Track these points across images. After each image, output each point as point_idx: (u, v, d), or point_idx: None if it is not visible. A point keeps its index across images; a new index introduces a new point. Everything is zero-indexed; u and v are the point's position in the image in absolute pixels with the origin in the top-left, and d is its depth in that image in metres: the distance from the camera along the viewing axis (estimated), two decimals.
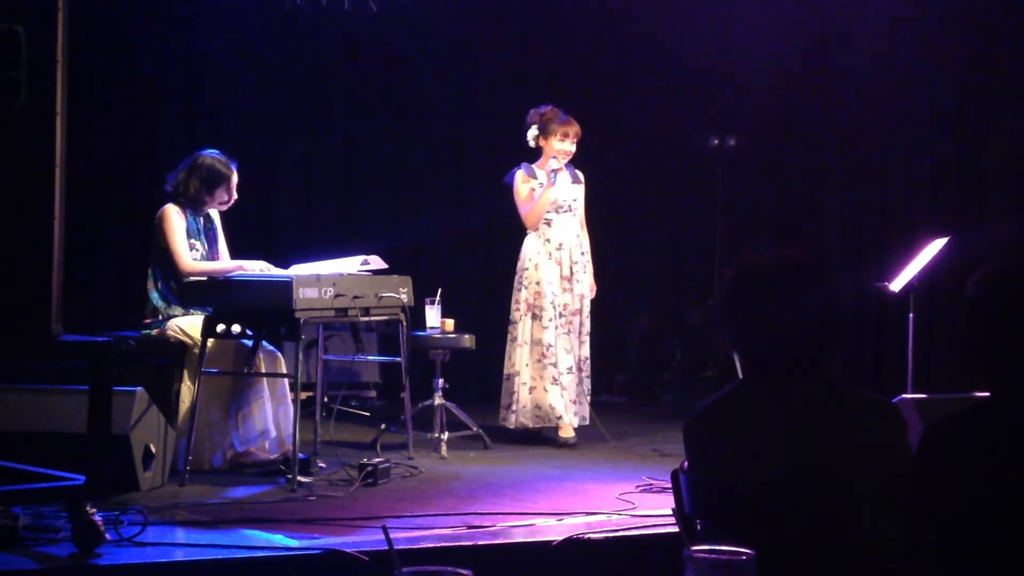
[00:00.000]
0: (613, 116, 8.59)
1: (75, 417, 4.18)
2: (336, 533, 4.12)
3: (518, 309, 6.30)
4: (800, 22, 8.48)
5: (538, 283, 6.25)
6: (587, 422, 6.33)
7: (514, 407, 6.24)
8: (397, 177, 8.71)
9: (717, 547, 1.60)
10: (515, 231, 7.17)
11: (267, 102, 8.27)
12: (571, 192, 6.35)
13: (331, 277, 5.20)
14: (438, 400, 6.17)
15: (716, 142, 8.87)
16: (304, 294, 4.99)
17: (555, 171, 6.23)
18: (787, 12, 8.45)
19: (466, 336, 6.30)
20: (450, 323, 6.31)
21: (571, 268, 6.30)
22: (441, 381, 6.21)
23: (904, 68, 8.08)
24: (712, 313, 8.75)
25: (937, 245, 6.52)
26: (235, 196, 5.65)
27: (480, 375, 7.81)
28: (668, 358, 8.85)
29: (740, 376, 2.43)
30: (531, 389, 6.23)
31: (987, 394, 2.14)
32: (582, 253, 6.37)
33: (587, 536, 4.12)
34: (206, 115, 7.93)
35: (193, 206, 5.55)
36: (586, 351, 6.36)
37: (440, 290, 6.33)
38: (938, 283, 7.24)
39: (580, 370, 6.31)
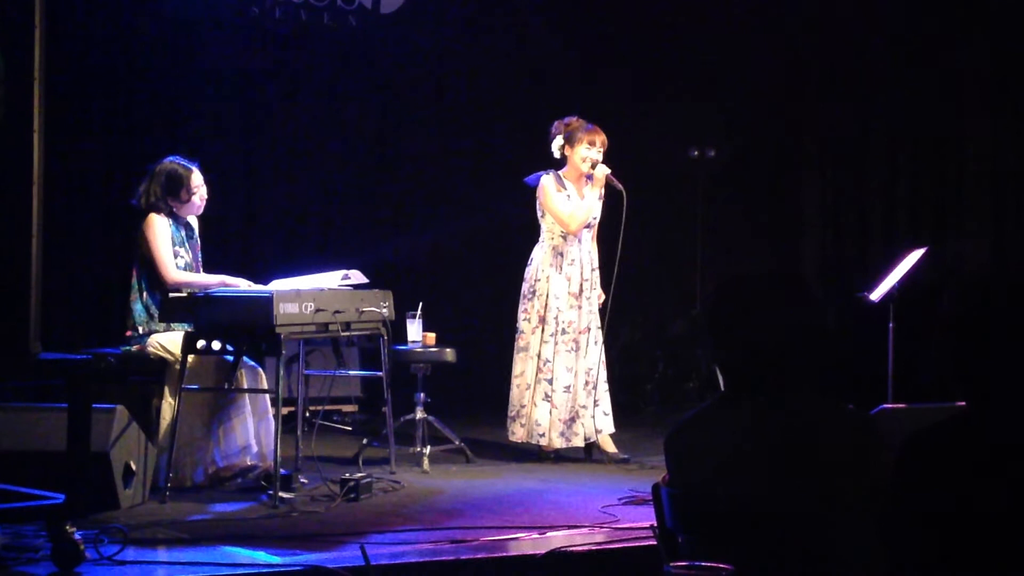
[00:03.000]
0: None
1: (54, 435, 4.16)
2: (318, 549, 4.11)
3: (528, 319, 6.16)
4: (778, 35, 8.52)
5: (546, 296, 6.13)
6: (588, 440, 6.14)
7: (523, 420, 6.13)
8: (378, 191, 8.70)
9: (696, 563, 1.61)
10: (506, 241, 7.16)
11: (247, 116, 8.26)
12: (595, 208, 6.25)
13: (311, 292, 5.19)
14: (420, 414, 6.15)
15: (696, 154, 8.89)
16: (284, 309, 4.98)
17: (590, 176, 6.15)
18: (766, 25, 8.50)
19: (448, 350, 6.28)
20: (432, 337, 6.29)
21: (580, 285, 6.17)
22: (423, 395, 6.20)
23: (881, 80, 8.13)
24: (694, 324, 8.76)
25: (916, 255, 6.57)
26: (203, 196, 5.56)
27: (462, 389, 7.80)
28: (650, 369, 8.85)
29: (722, 389, 2.43)
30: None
31: (963, 404, 2.15)
32: (593, 269, 6.24)
33: (570, 550, 4.12)
34: (186, 130, 7.91)
35: (167, 213, 5.51)
36: (595, 363, 6.13)
37: (421, 304, 6.32)
38: (917, 293, 7.27)
39: (587, 384, 6.11)
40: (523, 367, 6.18)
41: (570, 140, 6.18)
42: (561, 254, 6.18)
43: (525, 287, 6.23)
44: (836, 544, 2.17)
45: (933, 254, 6.77)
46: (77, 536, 3.79)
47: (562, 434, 6.10)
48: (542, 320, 6.14)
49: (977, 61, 7.74)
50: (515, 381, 6.20)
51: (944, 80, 7.89)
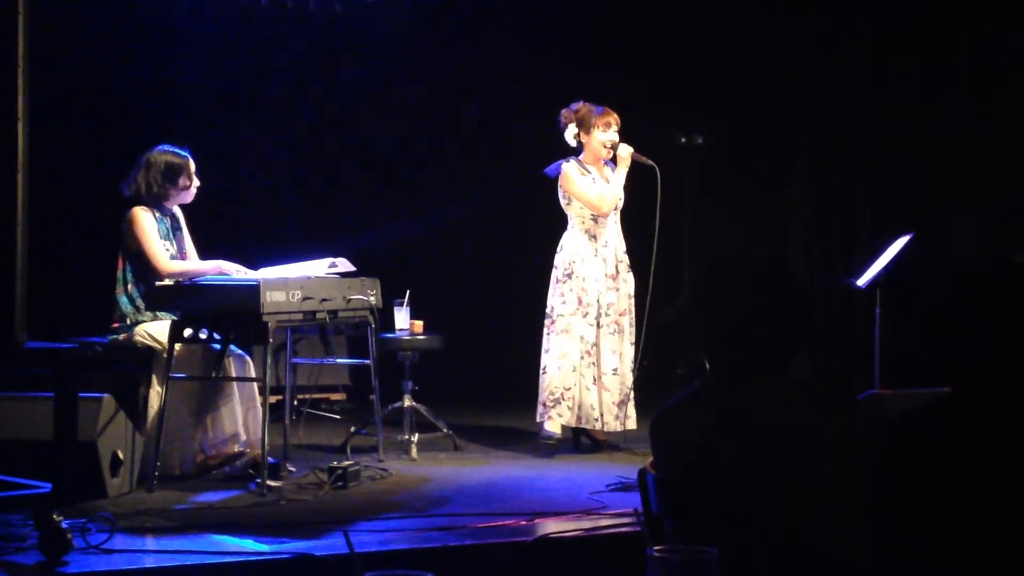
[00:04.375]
0: None
1: (41, 424, 4.15)
2: (306, 537, 4.11)
3: (564, 302, 6.02)
4: (767, 20, 8.51)
5: (584, 279, 6.04)
6: (633, 425, 6.07)
7: (570, 403, 5.99)
8: (365, 179, 8.69)
9: (679, 547, 1.61)
10: (494, 229, 7.12)
11: (233, 103, 8.24)
12: (622, 189, 6.16)
13: (299, 280, 5.18)
14: (407, 402, 6.16)
15: (683, 140, 8.88)
16: (272, 297, 4.97)
17: (613, 160, 6.12)
18: (755, 11, 8.49)
19: (435, 337, 6.29)
20: (419, 325, 6.30)
21: (616, 266, 6.11)
22: (410, 383, 6.20)
23: (869, 65, 8.13)
24: (682, 311, 8.77)
25: (902, 242, 6.59)
26: (197, 183, 5.58)
27: (450, 376, 7.80)
28: (638, 356, 8.83)
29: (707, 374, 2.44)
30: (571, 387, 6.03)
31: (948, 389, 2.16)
32: (624, 251, 6.19)
33: (558, 536, 4.12)
34: (172, 117, 7.88)
35: (159, 204, 5.51)
36: (631, 351, 6.14)
37: (408, 292, 6.31)
38: (904, 279, 7.30)
39: (630, 372, 6.09)
40: (565, 348, 6.01)
41: (583, 126, 6.13)
42: (595, 236, 6.09)
43: (558, 272, 6.10)
44: (821, 528, 2.18)
45: (920, 241, 6.79)
46: (64, 525, 3.78)
47: (616, 417, 6.02)
48: (580, 303, 6.03)
49: (965, 50, 7.76)
50: (555, 364, 6.01)
51: (932, 68, 7.90)
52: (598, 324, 6.04)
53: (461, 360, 7.79)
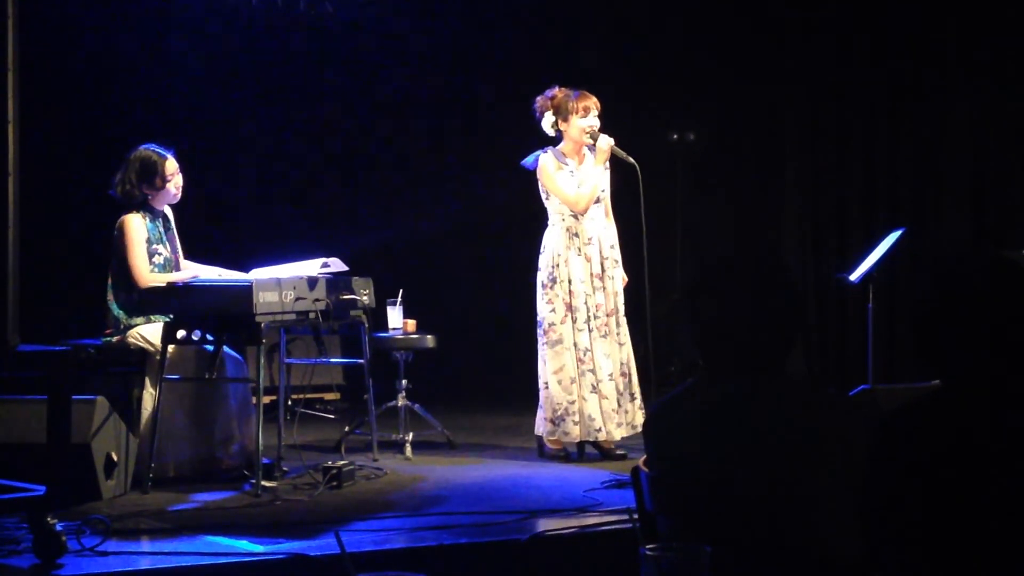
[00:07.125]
0: None
1: (35, 427, 4.15)
2: (300, 537, 4.11)
3: (554, 309, 5.67)
4: (759, 17, 8.52)
5: (570, 282, 5.68)
6: (636, 430, 5.65)
7: (576, 418, 5.64)
8: (357, 179, 8.69)
9: (671, 545, 1.61)
10: (486, 228, 7.09)
11: (227, 104, 8.23)
12: (601, 180, 5.77)
13: (291, 280, 5.18)
14: (402, 401, 6.16)
15: (675, 137, 8.89)
16: (264, 298, 4.96)
17: (592, 146, 5.72)
18: (747, 8, 8.50)
19: (428, 336, 6.29)
20: (412, 324, 6.30)
21: (602, 264, 5.71)
22: (404, 382, 6.20)
23: (861, 63, 8.14)
24: (674, 308, 8.77)
25: (894, 236, 6.60)
26: (178, 184, 5.49)
27: (443, 375, 7.81)
28: (644, 353, 8.81)
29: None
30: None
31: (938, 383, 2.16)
32: (612, 246, 5.78)
33: (553, 534, 4.13)
34: (166, 120, 7.87)
35: (147, 206, 5.48)
36: (628, 352, 5.78)
37: (402, 291, 6.32)
38: (896, 273, 7.31)
39: (624, 375, 5.72)
40: (562, 361, 5.66)
41: (561, 113, 5.73)
42: (577, 234, 5.71)
43: (543, 275, 5.74)
44: (814, 524, 2.18)
45: (912, 237, 6.79)
46: (59, 528, 3.79)
47: (619, 424, 5.68)
48: (569, 308, 5.68)
49: (956, 45, 7.77)
50: (554, 377, 5.67)
51: (924, 65, 7.92)
52: (589, 328, 5.68)
53: (455, 359, 7.80)
